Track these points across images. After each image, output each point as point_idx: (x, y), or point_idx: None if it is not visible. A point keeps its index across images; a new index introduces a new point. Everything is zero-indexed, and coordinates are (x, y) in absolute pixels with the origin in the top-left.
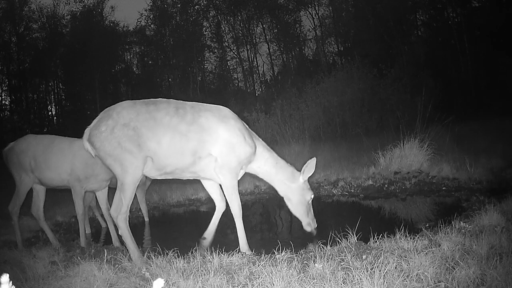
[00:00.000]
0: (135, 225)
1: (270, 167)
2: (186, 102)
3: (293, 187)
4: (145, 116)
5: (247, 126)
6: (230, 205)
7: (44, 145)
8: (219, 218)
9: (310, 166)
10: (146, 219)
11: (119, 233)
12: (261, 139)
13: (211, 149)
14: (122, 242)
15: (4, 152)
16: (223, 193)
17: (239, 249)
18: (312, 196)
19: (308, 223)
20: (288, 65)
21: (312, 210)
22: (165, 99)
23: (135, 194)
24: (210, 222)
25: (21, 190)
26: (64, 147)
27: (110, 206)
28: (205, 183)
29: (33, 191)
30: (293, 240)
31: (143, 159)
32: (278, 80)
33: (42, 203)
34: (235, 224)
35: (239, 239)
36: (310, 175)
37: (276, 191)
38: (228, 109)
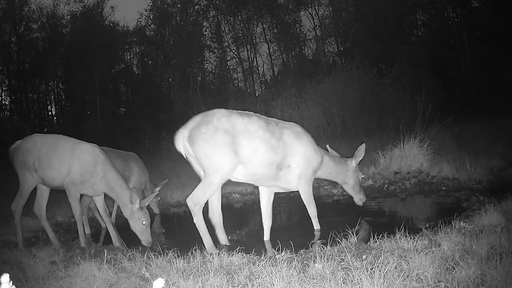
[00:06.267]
0: None
1: (331, 168)
2: (269, 118)
3: (349, 173)
4: (242, 128)
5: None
6: (308, 208)
7: (49, 145)
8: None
9: (361, 151)
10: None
11: (194, 221)
12: (320, 148)
13: (290, 161)
14: (122, 242)
15: (10, 150)
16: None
17: (239, 249)
18: (363, 175)
19: (360, 199)
20: (288, 65)
21: (361, 187)
22: (253, 113)
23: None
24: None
25: (25, 189)
26: (68, 148)
27: (109, 207)
28: (262, 200)
29: (38, 190)
30: (293, 240)
31: (235, 164)
32: (278, 80)
33: (45, 203)
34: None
35: (315, 232)
36: (360, 159)
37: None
38: (299, 125)
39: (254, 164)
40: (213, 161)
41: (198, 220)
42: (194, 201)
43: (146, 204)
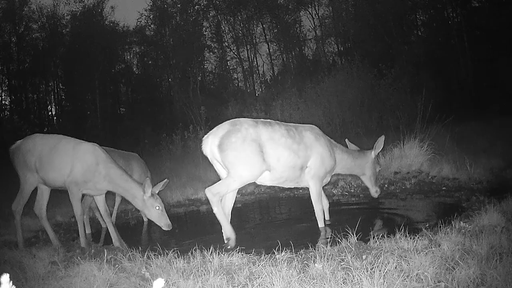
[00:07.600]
0: (135, 225)
1: (350, 163)
2: (288, 123)
3: (368, 165)
4: (267, 136)
5: (329, 139)
6: (314, 207)
7: (50, 145)
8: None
9: (380, 142)
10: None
11: (214, 211)
12: (338, 144)
13: (309, 162)
14: (122, 243)
15: (11, 151)
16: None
17: (239, 249)
18: (380, 168)
19: (376, 191)
20: (288, 65)
21: (378, 179)
22: (274, 121)
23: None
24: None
25: (25, 189)
26: (69, 148)
27: (109, 207)
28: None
29: (38, 189)
30: (293, 240)
31: (261, 172)
32: (278, 80)
33: (46, 202)
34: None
35: (320, 230)
36: (379, 151)
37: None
38: (317, 127)
39: (279, 169)
40: (240, 168)
41: (218, 210)
42: (213, 192)
43: (157, 192)
